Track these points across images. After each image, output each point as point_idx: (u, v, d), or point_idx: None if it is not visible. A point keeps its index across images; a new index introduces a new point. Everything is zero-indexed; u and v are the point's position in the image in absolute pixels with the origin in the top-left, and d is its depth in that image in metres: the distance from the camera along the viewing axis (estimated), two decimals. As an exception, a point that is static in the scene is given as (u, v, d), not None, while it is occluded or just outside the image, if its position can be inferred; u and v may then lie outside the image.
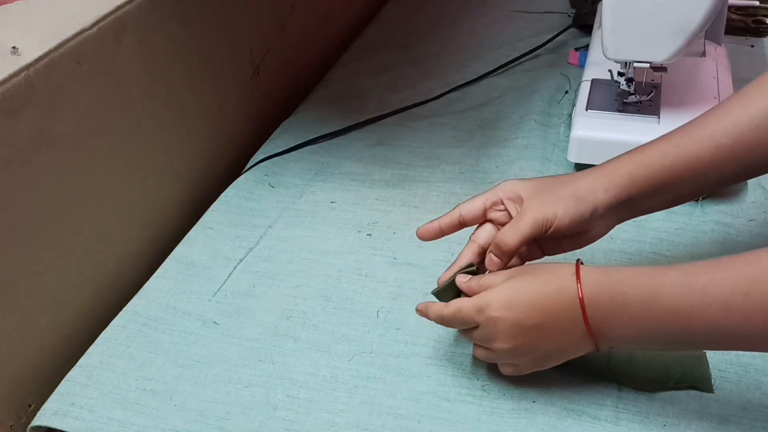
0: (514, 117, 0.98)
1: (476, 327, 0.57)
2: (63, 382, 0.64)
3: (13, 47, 0.61)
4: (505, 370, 0.60)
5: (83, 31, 0.66)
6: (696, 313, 0.50)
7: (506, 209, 0.62)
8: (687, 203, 0.79)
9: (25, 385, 0.65)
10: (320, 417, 0.60)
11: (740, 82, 0.92)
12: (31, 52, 0.61)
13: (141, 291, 0.73)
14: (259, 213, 0.83)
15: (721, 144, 0.59)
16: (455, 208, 0.63)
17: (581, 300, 0.53)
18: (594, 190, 0.59)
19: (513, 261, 0.61)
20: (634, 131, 0.79)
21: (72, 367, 0.65)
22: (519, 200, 0.61)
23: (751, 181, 0.82)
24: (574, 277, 0.54)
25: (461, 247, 0.64)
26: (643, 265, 0.69)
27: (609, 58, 0.78)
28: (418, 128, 0.97)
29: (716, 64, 0.91)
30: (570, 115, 0.95)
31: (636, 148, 0.62)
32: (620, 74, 0.82)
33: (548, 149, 0.90)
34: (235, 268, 0.75)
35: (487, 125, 0.97)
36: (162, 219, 0.83)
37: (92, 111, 0.69)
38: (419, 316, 0.61)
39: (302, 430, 0.59)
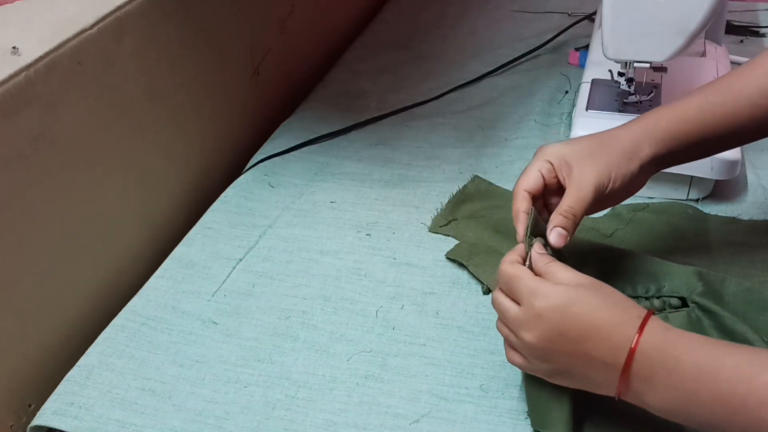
0: (514, 117, 0.98)
1: (517, 303, 0.54)
2: (62, 381, 0.64)
3: (13, 47, 0.61)
4: (514, 358, 0.56)
5: (83, 31, 0.66)
6: (744, 409, 0.45)
7: (556, 174, 0.61)
8: (686, 203, 0.79)
9: (25, 385, 0.65)
10: (319, 416, 0.60)
11: (740, 82, 0.92)
12: (31, 52, 0.62)
13: (141, 291, 0.73)
14: (259, 213, 0.83)
15: (758, 104, 0.60)
16: (517, 188, 0.61)
17: (632, 351, 0.49)
18: (639, 147, 0.60)
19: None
20: (633, 131, 0.79)
21: (72, 366, 0.65)
22: (567, 166, 0.60)
23: (751, 181, 0.82)
24: (639, 322, 0.50)
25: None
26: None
27: (609, 58, 0.78)
28: (418, 128, 0.97)
29: (716, 64, 0.90)
30: (570, 115, 0.95)
31: (674, 103, 0.62)
32: (620, 74, 0.82)
33: (548, 149, 0.90)
34: (234, 267, 0.75)
35: (487, 125, 0.97)
36: (162, 219, 0.83)
37: (92, 111, 0.69)
38: (418, 316, 0.60)
39: (301, 430, 0.59)
